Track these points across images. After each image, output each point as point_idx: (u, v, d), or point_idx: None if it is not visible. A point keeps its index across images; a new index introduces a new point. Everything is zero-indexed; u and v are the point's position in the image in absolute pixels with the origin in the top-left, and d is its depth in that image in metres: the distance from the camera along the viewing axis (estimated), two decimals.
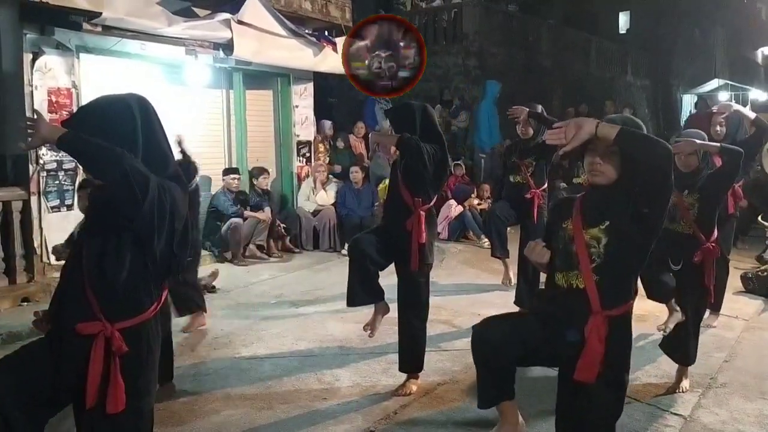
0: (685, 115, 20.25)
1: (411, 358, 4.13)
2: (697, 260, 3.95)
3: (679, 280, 4.05)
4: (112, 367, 2.16)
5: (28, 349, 2.26)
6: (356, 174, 9.00)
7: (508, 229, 6.50)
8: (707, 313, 5.15)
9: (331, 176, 9.38)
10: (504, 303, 5.88)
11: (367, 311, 5.81)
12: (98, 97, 2.30)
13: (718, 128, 5.22)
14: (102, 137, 2.11)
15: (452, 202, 9.47)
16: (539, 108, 5.66)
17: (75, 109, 6.57)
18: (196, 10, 7.20)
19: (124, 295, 2.19)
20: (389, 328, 5.24)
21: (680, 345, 4.09)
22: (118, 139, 2.14)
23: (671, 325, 4.06)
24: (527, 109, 5.56)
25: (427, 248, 4.04)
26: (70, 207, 6.45)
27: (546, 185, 5.96)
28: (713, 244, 3.99)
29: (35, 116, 2.20)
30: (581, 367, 2.36)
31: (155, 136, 2.28)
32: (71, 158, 6.47)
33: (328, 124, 10.34)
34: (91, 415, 2.18)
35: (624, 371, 2.47)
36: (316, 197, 9.09)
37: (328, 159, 9.85)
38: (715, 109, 5.55)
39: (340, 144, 10.17)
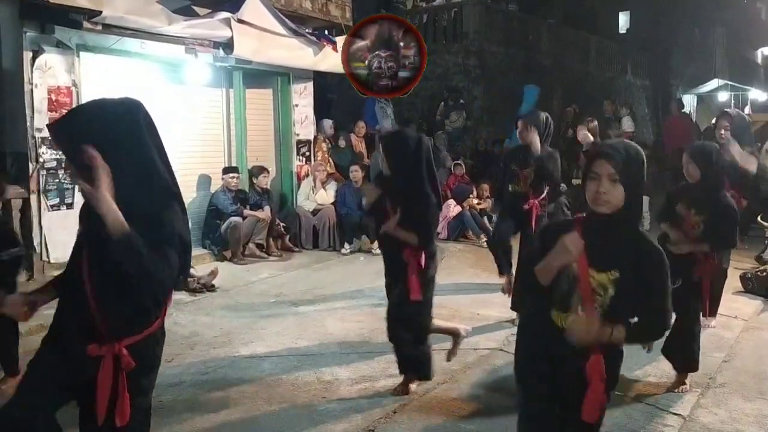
0: (687, 114, 20.25)
1: (399, 360, 4.14)
2: (697, 276, 4.00)
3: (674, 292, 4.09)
4: (120, 384, 2.14)
5: (37, 370, 2.21)
6: (356, 173, 9.00)
7: None
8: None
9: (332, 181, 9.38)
10: (503, 302, 5.88)
11: (368, 310, 5.83)
12: (90, 100, 2.22)
13: (723, 132, 5.25)
14: (85, 141, 2.02)
15: (451, 201, 9.47)
16: (543, 116, 5.56)
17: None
18: (196, 8, 7.19)
19: (131, 313, 2.15)
20: None
21: (683, 350, 4.11)
22: (100, 145, 2.02)
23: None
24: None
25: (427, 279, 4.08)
26: (70, 206, 6.44)
27: (546, 193, 5.86)
28: (713, 262, 4.07)
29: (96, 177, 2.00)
30: (588, 410, 2.31)
31: (141, 144, 2.12)
32: None
33: (328, 123, 10.35)
34: (99, 428, 2.16)
35: (618, 373, 2.45)
36: (316, 196, 9.09)
37: (330, 160, 9.86)
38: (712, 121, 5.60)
39: (341, 143, 10.17)
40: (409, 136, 4.03)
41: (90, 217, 2.10)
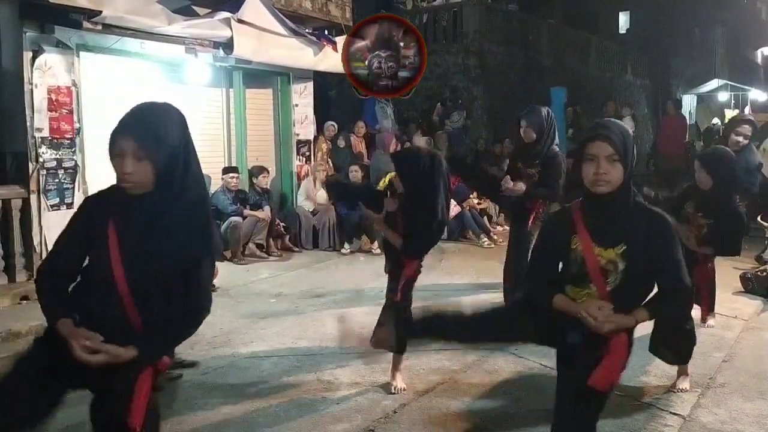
0: (684, 114, 20.29)
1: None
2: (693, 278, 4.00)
3: None
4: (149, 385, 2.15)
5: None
6: (355, 173, 8.99)
7: (503, 228, 6.43)
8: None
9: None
10: (503, 302, 5.88)
11: (368, 310, 5.84)
12: (149, 102, 2.19)
13: (741, 138, 5.25)
14: (160, 147, 2.07)
15: (451, 201, 9.45)
16: (544, 111, 5.51)
17: (75, 107, 6.56)
18: (196, 8, 7.19)
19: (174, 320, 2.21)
20: None
21: (671, 346, 4.10)
22: (168, 147, 2.09)
23: None
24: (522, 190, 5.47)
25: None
26: (70, 205, 6.44)
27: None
28: (711, 267, 4.09)
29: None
30: (602, 375, 2.32)
31: (190, 149, 2.19)
32: (71, 157, 6.52)
33: (329, 124, 10.35)
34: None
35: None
36: (316, 196, 9.09)
37: (328, 160, 9.85)
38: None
39: (341, 143, 10.17)
40: (422, 154, 3.98)
41: (132, 230, 2.10)
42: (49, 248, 2.29)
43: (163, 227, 2.09)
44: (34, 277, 2.23)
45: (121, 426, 2.10)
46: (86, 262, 2.21)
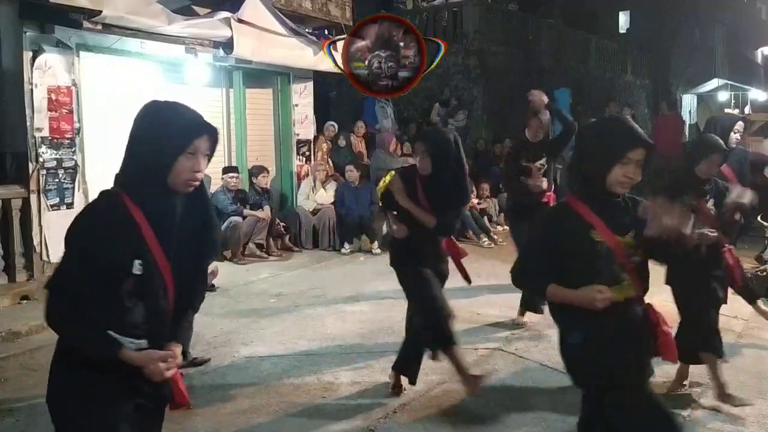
0: (684, 115, 20.27)
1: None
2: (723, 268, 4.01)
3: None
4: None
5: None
6: (351, 173, 8.98)
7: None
8: None
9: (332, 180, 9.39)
10: (503, 302, 5.88)
11: (368, 310, 5.84)
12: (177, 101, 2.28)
13: (738, 136, 5.26)
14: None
15: None
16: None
17: (75, 107, 6.56)
18: (196, 8, 7.20)
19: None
20: (388, 328, 5.25)
21: (695, 333, 4.06)
22: None
23: None
24: (546, 99, 5.39)
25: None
26: (70, 205, 6.45)
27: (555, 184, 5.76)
28: (732, 248, 4.10)
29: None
30: (667, 349, 2.47)
31: None
32: (71, 157, 6.52)
33: (329, 124, 10.37)
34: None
35: None
36: (316, 196, 9.09)
37: (329, 160, 9.86)
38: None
39: (341, 143, 10.18)
40: (449, 134, 3.98)
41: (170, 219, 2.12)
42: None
43: (197, 219, 2.21)
44: (48, 308, 2.01)
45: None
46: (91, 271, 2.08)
